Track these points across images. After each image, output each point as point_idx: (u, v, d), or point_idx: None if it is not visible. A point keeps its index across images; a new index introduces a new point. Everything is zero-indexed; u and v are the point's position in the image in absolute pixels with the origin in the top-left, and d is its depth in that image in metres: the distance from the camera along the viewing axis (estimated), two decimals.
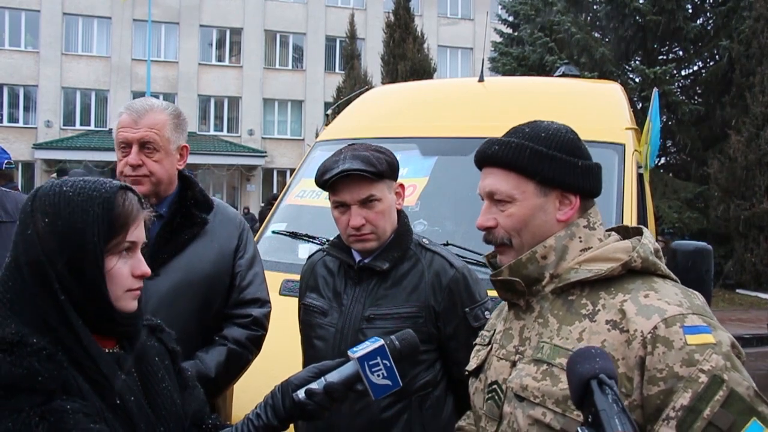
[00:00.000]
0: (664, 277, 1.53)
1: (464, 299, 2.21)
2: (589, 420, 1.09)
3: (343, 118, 4.54)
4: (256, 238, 3.31)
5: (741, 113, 15.75)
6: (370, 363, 1.52)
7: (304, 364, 2.26)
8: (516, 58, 18.42)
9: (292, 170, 8.42)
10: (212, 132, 32.38)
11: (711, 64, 18.06)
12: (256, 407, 1.53)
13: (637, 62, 17.10)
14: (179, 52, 32.43)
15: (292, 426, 2.10)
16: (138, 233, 1.44)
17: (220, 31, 33.49)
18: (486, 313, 2.18)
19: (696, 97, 18.13)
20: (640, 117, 4.76)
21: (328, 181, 2.15)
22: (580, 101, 4.16)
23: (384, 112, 4.45)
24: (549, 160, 1.57)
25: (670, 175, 18.03)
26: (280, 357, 2.43)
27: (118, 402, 1.36)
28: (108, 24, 31.58)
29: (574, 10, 17.98)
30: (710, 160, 16.22)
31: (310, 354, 2.29)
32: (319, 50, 34.24)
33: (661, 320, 1.40)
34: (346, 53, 25.58)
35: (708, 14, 18.25)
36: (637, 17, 16.80)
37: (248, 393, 2.29)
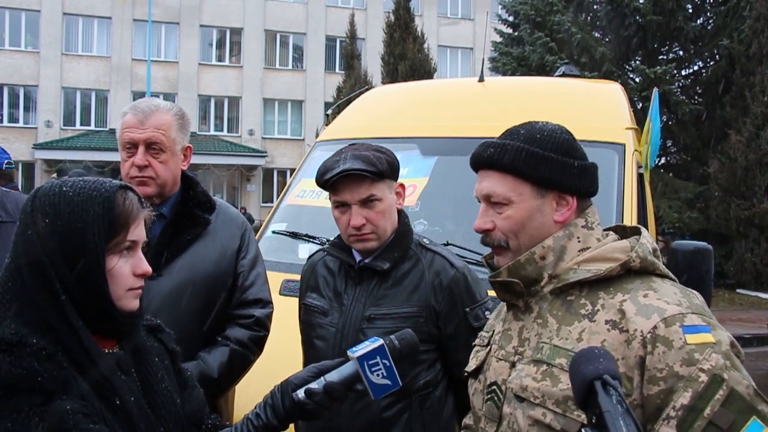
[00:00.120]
0: (663, 276, 1.53)
1: (465, 299, 2.21)
2: (593, 421, 1.08)
3: (344, 118, 4.54)
4: (256, 238, 3.31)
5: (741, 113, 15.75)
6: (370, 363, 1.52)
7: (305, 364, 2.26)
8: (516, 58, 18.42)
9: (293, 170, 8.43)
10: (212, 132, 32.38)
11: (711, 63, 18.06)
12: (255, 407, 1.53)
13: (638, 62, 17.09)
14: (179, 52, 32.43)
15: (292, 426, 2.10)
16: (138, 232, 1.44)
17: (221, 31, 33.49)
18: (486, 313, 2.18)
19: (696, 97, 18.13)
20: (640, 117, 4.76)
21: (329, 180, 2.15)
22: (580, 101, 4.16)
23: (384, 112, 4.45)
24: (545, 161, 1.57)
25: (671, 174, 18.03)
26: (280, 357, 2.43)
27: (117, 402, 1.36)
28: (108, 24, 31.59)
29: (574, 10, 17.98)
30: (710, 159, 16.23)
31: (310, 354, 2.29)
32: (319, 50, 34.24)
33: (660, 320, 1.40)
34: (346, 53, 25.57)
35: (708, 14, 18.26)
36: (638, 17, 16.78)
37: (249, 393, 2.29)
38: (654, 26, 16.72)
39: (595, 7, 19.04)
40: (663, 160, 18.49)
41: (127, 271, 1.42)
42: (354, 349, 1.55)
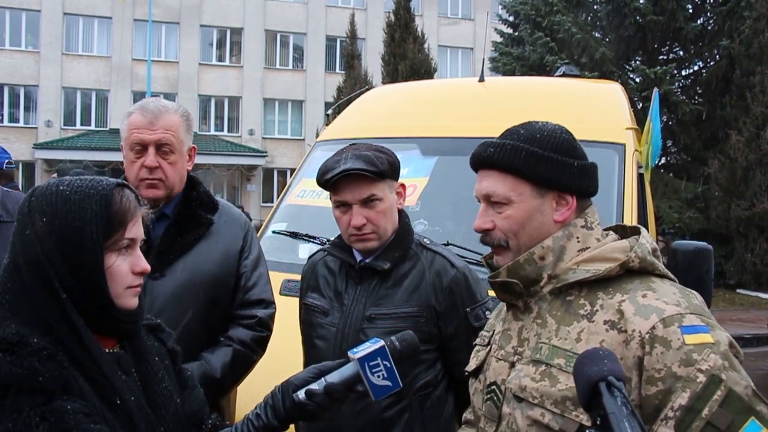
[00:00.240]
0: (662, 276, 1.53)
1: (465, 299, 2.21)
2: (598, 423, 1.08)
3: (344, 118, 4.54)
4: None
5: (741, 113, 15.73)
6: (371, 364, 1.52)
7: (305, 364, 2.26)
8: (516, 58, 18.42)
9: (293, 170, 8.42)
10: (213, 132, 32.37)
11: (711, 64, 18.05)
12: (256, 407, 1.53)
13: (638, 62, 17.09)
14: (180, 52, 32.43)
15: (292, 426, 2.10)
16: (136, 230, 1.44)
17: (221, 31, 33.48)
18: (487, 312, 2.18)
19: (696, 97, 18.11)
20: (640, 117, 4.76)
21: (330, 180, 2.16)
22: (580, 101, 4.16)
23: (384, 112, 4.45)
24: (545, 161, 1.57)
25: (671, 175, 18.02)
26: (281, 357, 2.43)
27: (118, 402, 1.36)
28: (108, 24, 31.58)
29: (574, 10, 17.97)
30: (710, 160, 16.22)
31: (311, 354, 2.30)
32: (319, 50, 34.23)
33: (659, 320, 1.40)
34: (346, 53, 25.54)
35: (708, 14, 18.24)
36: (638, 17, 16.78)
37: (250, 393, 2.29)
38: (654, 26, 16.71)
39: (595, 7, 19.03)
40: (663, 160, 18.47)
41: (125, 269, 1.41)
42: (355, 350, 1.55)
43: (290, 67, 34.31)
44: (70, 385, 1.29)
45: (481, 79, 4.35)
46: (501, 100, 4.22)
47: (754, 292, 15.25)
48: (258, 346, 2.37)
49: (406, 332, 1.62)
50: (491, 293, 2.25)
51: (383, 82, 19.94)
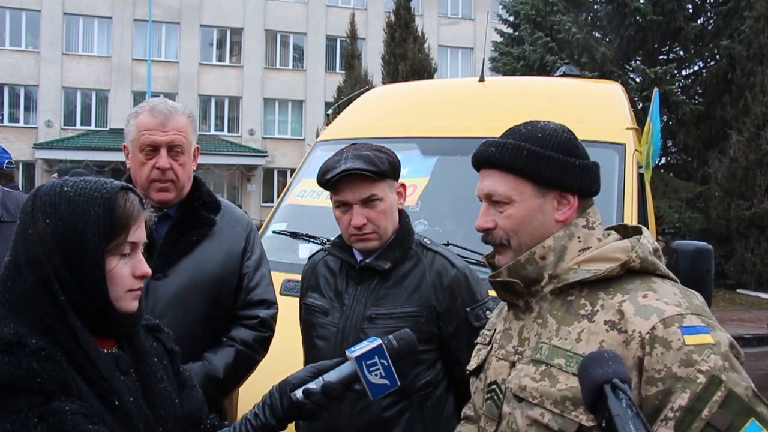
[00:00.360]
0: (663, 276, 1.52)
1: (465, 299, 2.21)
2: (603, 425, 1.08)
3: (344, 118, 4.54)
4: None
5: (741, 113, 15.73)
6: (368, 363, 1.52)
7: (305, 364, 2.26)
8: (516, 58, 18.40)
9: (293, 170, 8.43)
10: (213, 132, 32.38)
11: (711, 63, 18.04)
12: (254, 407, 1.53)
13: (638, 62, 17.07)
14: (180, 51, 32.43)
15: (293, 425, 2.10)
16: (139, 234, 1.44)
17: (221, 31, 33.48)
18: (487, 312, 2.18)
19: (696, 97, 18.11)
20: (640, 117, 4.76)
21: (330, 180, 2.16)
22: (580, 101, 4.16)
23: (384, 112, 4.45)
24: (546, 160, 1.57)
25: (671, 174, 18.02)
26: (281, 357, 2.43)
27: (116, 403, 1.36)
28: (109, 24, 31.59)
29: (575, 10, 17.97)
30: (711, 159, 16.22)
31: (311, 353, 2.30)
32: (319, 50, 34.24)
33: (659, 321, 1.39)
34: (346, 53, 25.55)
35: (708, 14, 18.25)
36: (638, 17, 16.77)
37: (250, 393, 2.29)
38: (654, 26, 16.71)
39: (595, 7, 19.02)
40: (663, 160, 18.47)
41: (126, 273, 1.41)
42: (352, 349, 1.55)
43: (290, 67, 34.31)
44: (68, 386, 1.29)
45: (482, 79, 4.35)
46: (501, 100, 4.21)
47: (754, 292, 15.24)
48: (260, 347, 2.37)
49: (403, 331, 1.62)
50: (491, 293, 2.25)
51: (383, 82, 19.94)
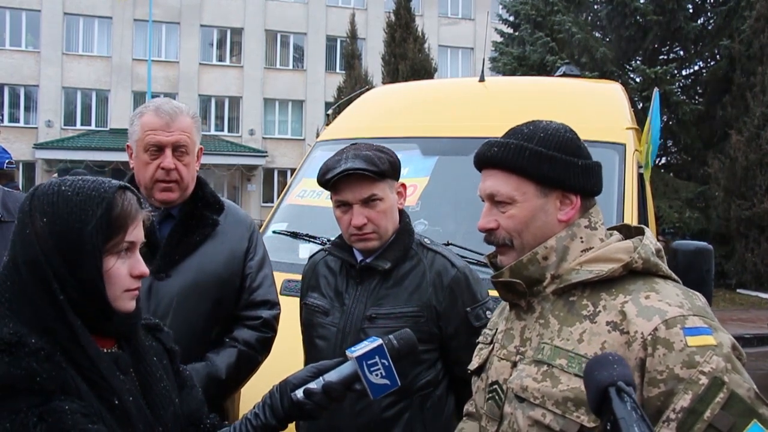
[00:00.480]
0: (666, 277, 1.52)
1: (466, 299, 2.21)
2: (608, 428, 1.08)
3: (344, 118, 4.54)
4: None
5: (742, 113, 15.73)
6: (369, 362, 1.52)
7: (306, 364, 2.26)
8: (517, 57, 18.39)
9: (293, 170, 8.42)
10: (213, 132, 32.36)
11: (712, 63, 18.04)
12: (254, 407, 1.53)
13: (638, 62, 17.06)
14: (180, 51, 32.43)
15: (293, 426, 2.10)
16: (137, 233, 1.44)
17: (221, 31, 33.49)
18: (488, 312, 2.18)
19: (697, 97, 18.11)
20: (640, 117, 4.76)
21: (331, 180, 2.16)
22: (580, 101, 4.16)
23: (385, 112, 4.45)
24: (549, 160, 1.57)
25: (671, 174, 18.01)
26: (281, 357, 2.43)
27: (116, 402, 1.36)
28: (109, 24, 31.59)
29: (575, 10, 17.96)
30: (711, 159, 16.21)
31: (311, 353, 2.30)
32: (319, 50, 34.24)
33: (661, 322, 1.39)
34: (346, 53, 25.54)
35: (709, 14, 18.23)
36: (638, 17, 16.77)
37: (250, 394, 2.29)
38: (654, 26, 16.70)
39: (595, 7, 19.02)
40: (663, 160, 18.48)
41: (124, 272, 1.41)
42: (353, 348, 1.55)
43: (290, 67, 34.31)
44: (68, 386, 1.29)
45: (482, 79, 4.34)
46: (501, 100, 4.21)
47: (754, 292, 15.24)
48: (262, 347, 2.37)
49: (403, 331, 1.62)
50: (492, 293, 2.25)
51: (383, 82, 19.94)
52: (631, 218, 3.22)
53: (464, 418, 1.90)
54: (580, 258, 1.57)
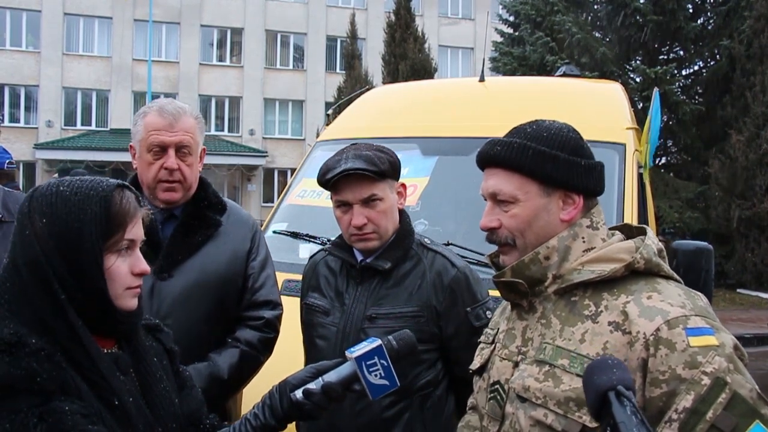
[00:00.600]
0: (668, 278, 1.52)
1: (466, 299, 2.21)
2: None
3: (344, 118, 4.54)
4: None
5: (742, 113, 15.72)
6: (368, 363, 1.52)
7: (306, 364, 2.26)
8: (517, 57, 18.39)
9: (293, 170, 8.42)
10: (213, 132, 32.33)
11: (712, 63, 18.02)
12: (254, 407, 1.53)
13: (638, 62, 17.05)
14: (180, 52, 32.44)
15: (293, 426, 2.10)
16: (136, 231, 1.44)
17: (221, 31, 33.49)
18: (488, 312, 2.18)
19: (697, 97, 18.09)
20: (640, 117, 4.76)
21: (331, 180, 2.16)
22: (580, 101, 4.16)
23: (385, 112, 4.45)
24: (552, 160, 1.56)
25: (671, 174, 18.00)
26: (282, 357, 2.43)
27: (116, 402, 1.36)
28: (109, 24, 31.60)
29: (575, 10, 17.96)
30: (711, 159, 16.20)
31: (311, 353, 2.30)
32: (319, 50, 34.24)
33: (663, 322, 1.39)
34: (346, 53, 25.54)
35: (708, 14, 18.22)
36: (638, 17, 16.76)
37: (250, 394, 2.29)
38: (654, 26, 16.69)
39: (595, 7, 19.01)
40: (663, 160, 18.47)
41: (125, 270, 1.41)
42: (352, 349, 1.54)
43: (291, 67, 34.32)
44: (68, 386, 1.29)
45: (482, 79, 4.35)
46: (501, 100, 4.21)
47: (754, 292, 15.23)
48: (265, 348, 2.37)
49: (403, 331, 1.62)
50: (492, 293, 2.25)
51: (383, 82, 19.94)
52: (631, 218, 3.22)
53: (469, 411, 1.90)
54: (581, 258, 1.56)
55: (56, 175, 8.26)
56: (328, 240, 2.92)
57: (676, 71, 17.11)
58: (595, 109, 4.01)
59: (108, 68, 31.55)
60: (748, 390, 1.33)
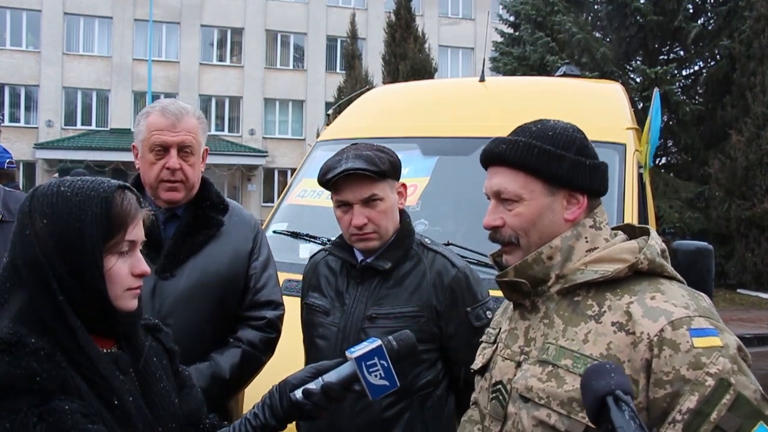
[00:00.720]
0: (671, 278, 1.52)
1: (466, 299, 2.21)
2: None
3: (344, 118, 4.54)
4: None
5: (742, 113, 15.71)
6: (368, 363, 1.52)
7: (306, 364, 2.26)
8: (517, 57, 18.39)
9: (293, 170, 8.42)
10: (213, 132, 32.31)
11: (712, 64, 18.02)
12: (254, 407, 1.53)
13: (638, 62, 17.05)
14: (180, 51, 32.45)
15: (293, 425, 2.10)
16: (137, 232, 1.44)
17: (221, 31, 33.49)
18: (488, 312, 2.18)
19: (697, 97, 18.08)
20: (641, 117, 4.76)
21: (331, 180, 2.16)
22: (581, 101, 4.16)
23: (385, 112, 4.45)
24: (557, 159, 1.56)
25: (671, 174, 17.99)
26: (283, 356, 2.43)
27: (116, 402, 1.36)
28: (109, 24, 31.60)
29: (575, 10, 17.96)
30: (711, 159, 16.18)
31: (312, 353, 2.30)
32: (320, 50, 34.24)
33: (667, 323, 1.38)
34: (347, 53, 25.54)
35: (709, 14, 18.22)
36: (638, 17, 16.76)
37: (251, 394, 2.29)
38: (655, 26, 16.69)
39: (596, 7, 19.01)
40: (663, 160, 18.46)
41: (125, 272, 1.41)
42: (352, 349, 1.54)
43: (291, 67, 34.32)
44: (68, 386, 1.29)
45: (482, 79, 4.34)
46: (502, 100, 4.21)
47: (754, 292, 15.22)
48: (266, 348, 2.37)
49: (403, 332, 1.62)
50: (493, 293, 2.25)
51: (384, 82, 19.94)
52: (631, 218, 3.22)
53: (472, 406, 1.90)
54: (585, 258, 1.56)
55: (56, 174, 8.26)
56: (329, 240, 2.92)
57: (676, 71, 17.11)
58: (596, 109, 4.01)
59: (108, 68, 31.55)
60: (752, 391, 1.32)
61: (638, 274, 1.50)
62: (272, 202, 27.99)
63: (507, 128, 1.69)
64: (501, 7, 20.65)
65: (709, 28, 17.82)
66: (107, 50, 31.75)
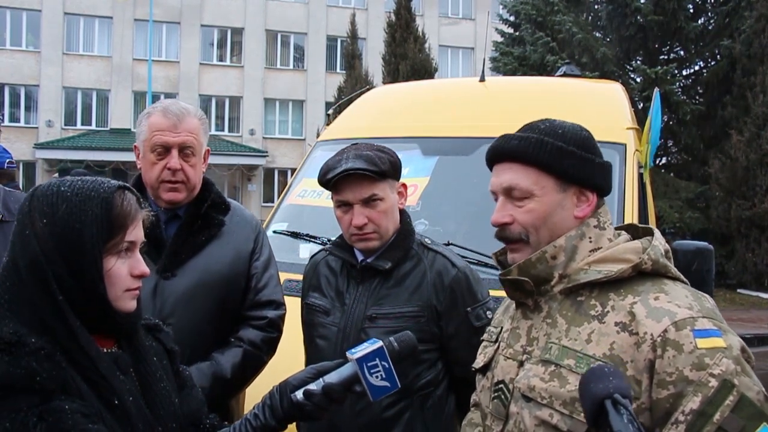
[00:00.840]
0: (675, 279, 1.52)
1: (466, 299, 2.21)
2: None
3: (344, 118, 4.54)
4: None
5: (742, 113, 15.72)
6: (369, 364, 1.51)
7: (307, 364, 2.26)
8: (517, 57, 18.39)
9: (293, 170, 8.41)
10: (213, 132, 32.31)
11: (712, 63, 18.03)
12: (254, 407, 1.53)
13: (639, 62, 17.06)
14: (180, 51, 32.44)
15: (294, 426, 2.10)
16: (137, 233, 1.44)
17: (222, 31, 33.49)
18: (488, 312, 2.18)
19: (697, 97, 18.09)
20: (641, 117, 4.76)
21: (331, 180, 2.16)
22: (581, 101, 4.16)
23: (385, 111, 4.45)
24: (569, 156, 1.56)
25: (672, 174, 18.00)
26: (283, 356, 2.43)
27: (116, 402, 1.36)
28: (109, 24, 31.60)
29: (575, 10, 17.96)
30: (711, 159, 16.20)
31: (312, 353, 2.30)
32: (320, 50, 34.24)
33: (671, 323, 1.38)
34: (347, 53, 25.55)
35: (709, 14, 18.24)
36: (638, 17, 16.77)
37: (252, 394, 2.30)
38: (655, 26, 16.70)
39: (596, 7, 19.02)
40: (664, 160, 18.47)
41: (124, 272, 1.41)
42: (353, 350, 1.54)
43: (291, 67, 34.32)
44: (68, 385, 1.29)
45: (482, 79, 4.34)
46: (502, 100, 4.21)
47: (755, 292, 15.23)
48: (268, 347, 2.37)
49: (404, 333, 1.62)
50: (493, 293, 2.25)
51: (384, 82, 19.94)
52: (631, 218, 3.22)
53: (472, 408, 1.90)
54: (588, 258, 1.56)
55: (56, 174, 8.26)
56: (329, 240, 2.92)
57: (676, 71, 17.12)
58: (596, 109, 4.01)
59: (108, 68, 31.55)
60: (756, 392, 1.32)
61: (642, 274, 1.49)
62: (272, 202, 28.00)
63: (507, 128, 1.69)
64: (501, 7, 20.65)
65: (710, 28, 17.83)
66: (107, 50, 31.74)
